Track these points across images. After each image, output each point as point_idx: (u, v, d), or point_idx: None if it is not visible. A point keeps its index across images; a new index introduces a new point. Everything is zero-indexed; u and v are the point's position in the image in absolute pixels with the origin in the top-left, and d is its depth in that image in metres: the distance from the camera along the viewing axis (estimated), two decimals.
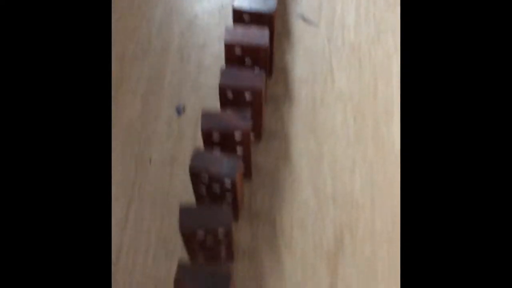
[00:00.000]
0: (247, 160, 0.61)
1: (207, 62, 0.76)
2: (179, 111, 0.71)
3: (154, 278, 0.58)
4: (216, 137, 0.57)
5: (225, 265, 0.58)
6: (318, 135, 0.69)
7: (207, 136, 0.57)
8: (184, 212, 0.53)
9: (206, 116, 0.58)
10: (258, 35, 0.62)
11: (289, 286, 0.58)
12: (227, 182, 0.54)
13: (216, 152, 0.56)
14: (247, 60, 0.63)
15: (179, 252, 0.60)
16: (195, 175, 0.55)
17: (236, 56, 0.62)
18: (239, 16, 0.65)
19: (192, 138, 0.68)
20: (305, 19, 0.79)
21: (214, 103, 0.64)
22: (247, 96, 0.60)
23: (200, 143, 0.60)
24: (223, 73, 0.60)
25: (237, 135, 0.57)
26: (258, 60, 0.63)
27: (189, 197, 0.60)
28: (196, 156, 0.56)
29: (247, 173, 0.64)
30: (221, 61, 0.64)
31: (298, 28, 0.80)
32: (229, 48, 0.62)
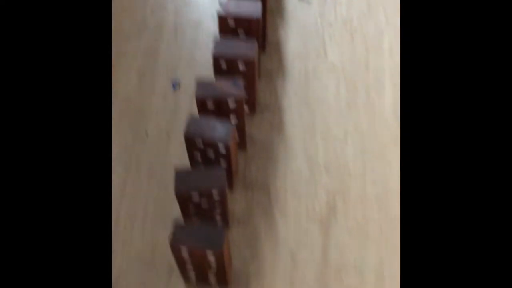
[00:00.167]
0: (241, 130, 0.63)
1: (202, 39, 0.78)
2: (175, 86, 0.72)
3: (151, 244, 0.60)
4: (210, 105, 0.59)
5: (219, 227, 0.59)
6: (311, 106, 0.70)
7: (201, 104, 0.59)
8: (179, 175, 0.54)
9: (201, 85, 0.59)
10: (251, 8, 0.64)
11: (283, 251, 0.59)
12: (221, 147, 0.56)
13: (210, 119, 0.57)
14: (240, 32, 0.64)
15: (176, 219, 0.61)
16: (190, 141, 0.57)
17: (229, 28, 0.64)
18: None
19: (188, 112, 0.69)
20: None
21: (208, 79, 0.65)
22: (240, 65, 0.61)
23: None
24: (216, 44, 0.62)
25: (231, 103, 0.58)
26: (251, 32, 0.64)
27: (185, 167, 0.61)
28: (190, 123, 0.57)
29: (242, 144, 0.65)
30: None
31: (291, 3, 0.81)
32: (222, 20, 0.63)
